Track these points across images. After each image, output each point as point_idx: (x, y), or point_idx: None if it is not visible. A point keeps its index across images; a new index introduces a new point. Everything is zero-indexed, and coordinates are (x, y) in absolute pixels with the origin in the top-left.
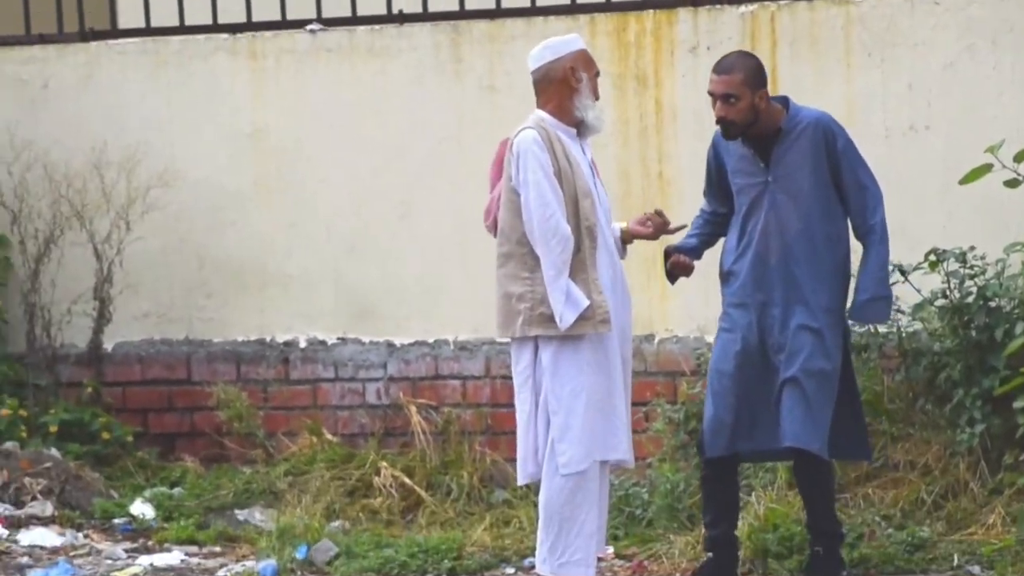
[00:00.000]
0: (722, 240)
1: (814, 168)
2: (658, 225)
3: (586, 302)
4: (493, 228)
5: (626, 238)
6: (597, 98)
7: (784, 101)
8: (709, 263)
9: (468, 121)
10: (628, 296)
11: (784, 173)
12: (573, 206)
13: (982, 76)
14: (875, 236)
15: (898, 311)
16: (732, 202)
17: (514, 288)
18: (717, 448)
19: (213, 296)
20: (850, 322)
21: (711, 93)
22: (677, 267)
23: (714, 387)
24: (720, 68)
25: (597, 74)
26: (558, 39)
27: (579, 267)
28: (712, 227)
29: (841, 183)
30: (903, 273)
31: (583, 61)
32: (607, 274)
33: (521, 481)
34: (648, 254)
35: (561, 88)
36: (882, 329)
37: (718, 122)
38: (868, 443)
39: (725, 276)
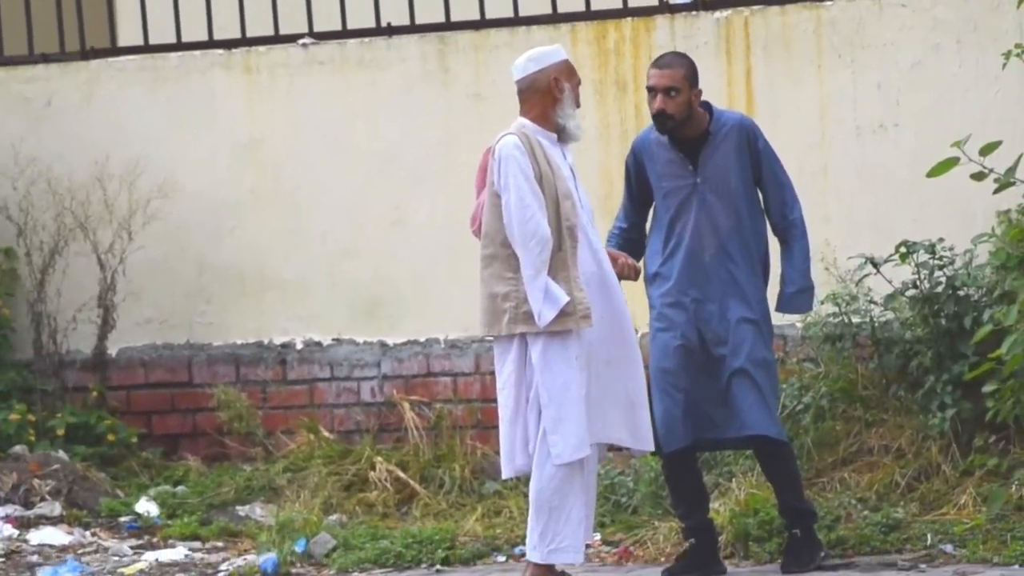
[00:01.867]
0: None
1: (740, 168)
2: (628, 273)
3: (566, 298)
4: (479, 233)
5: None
6: (578, 106)
7: (707, 106)
8: None
9: (456, 128)
10: (618, 288)
11: (713, 173)
12: (554, 208)
13: (948, 74)
14: (796, 231)
15: (871, 302)
16: (647, 211)
17: (499, 288)
18: (673, 442)
19: (212, 301)
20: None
21: (652, 87)
22: (625, 271)
23: (660, 385)
24: (661, 63)
25: (579, 83)
26: (541, 50)
27: (560, 265)
28: (629, 246)
29: (762, 181)
30: (875, 265)
31: (566, 72)
32: (591, 271)
33: (507, 475)
34: None
35: (544, 97)
36: (855, 319)
37: (656, 115)
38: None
39: (652, 278)
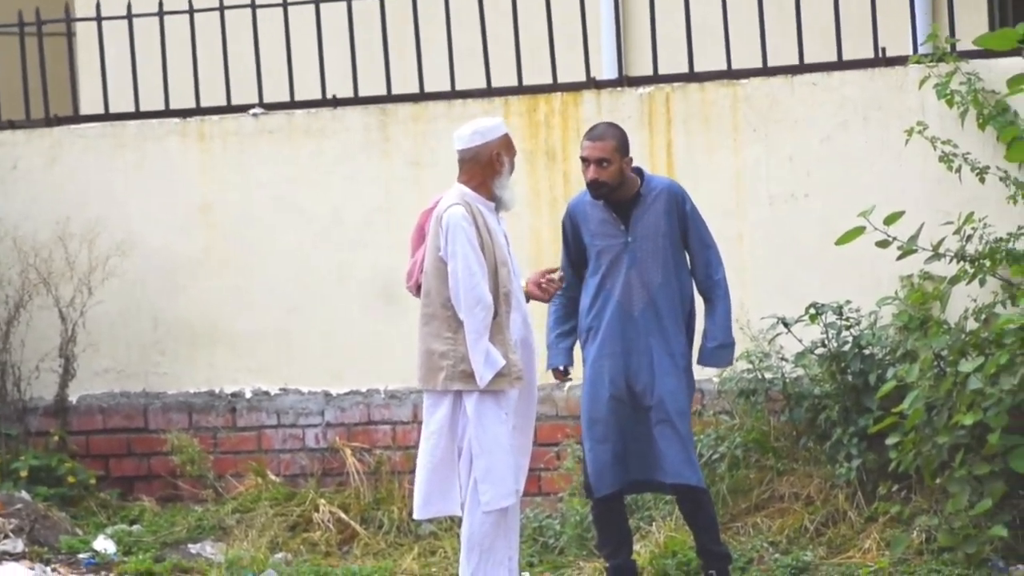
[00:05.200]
0: None
1: (668, 228)
2: (551, 290)
3: (503, 362)
4: (415, 289)
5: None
6: (511, 174)
7: (639, 171)
8: None
9: (396, 192)
10: (535, 352)
11: (643, 233)
12: (493, 275)
13: (855, 148)
14: (720, 290)
15: (782, 359)
16: (584, 271)
17: (437, 346)
18: (603, 487)
19: (167, 353)
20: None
21: (585, 159)
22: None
23: (592, 434)
24: (594, 135)
25: (514, 154)
26: (486, 124)
27: (496, 330)
28: (571, 305)
29: (689, 242)
30: (786, 325)
31: (507, 145)
32: (520, 333)
33: (420, 516)
34: None
35: (485, 169)
36: (768, 375)
37: (590, 184)
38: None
39: (584, 331)
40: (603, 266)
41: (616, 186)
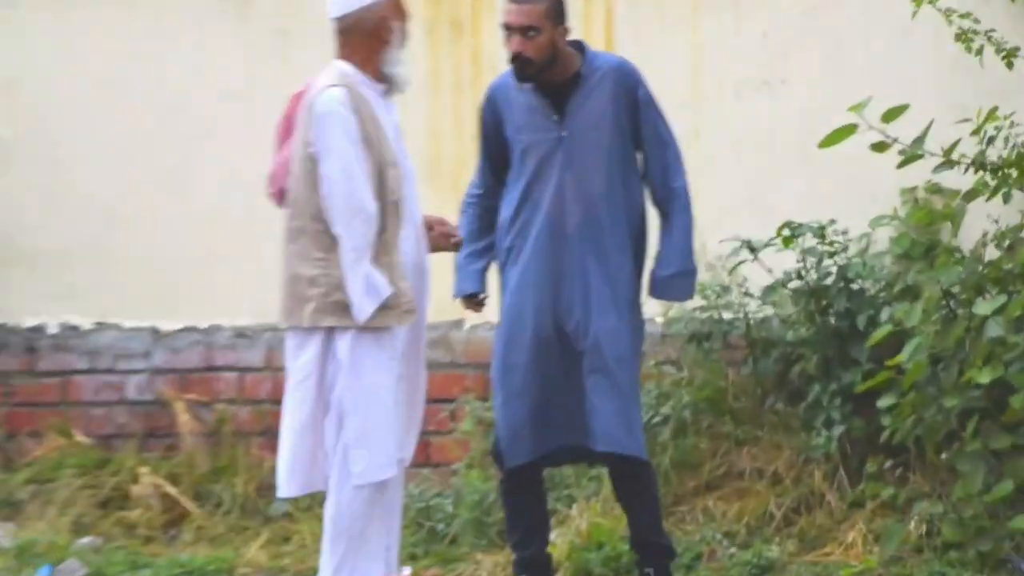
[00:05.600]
0: None
1: (615, 120)
2: (443, 243)
3: (389, 290)
4: (278, 197)
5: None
6: (404, 48)
7: (578, 45)
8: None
9: (257, 73)
10: (428, 277)
11: (582, 126)
12: (378, 178)
13: (846, 22)
14: (679, 202)
15: (746, 294)
16: (506, 173)
17: (304, 270)
18: (518, 455)
19: None
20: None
21: (507, 25)
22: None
23: (506, 386)
24: None
25: (407, 21)
26: None
27: (382, 249)
28: (488, 217)
29: (642, 139)
30: (752, 250)
31: (396, 8)
32: (412, 254)
33: (285, 493)
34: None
35: (371, 40)
36: (727, 315)
37: (512, 59)
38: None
39: (504, 251)
40: (529, 168)
41: (546, 64)
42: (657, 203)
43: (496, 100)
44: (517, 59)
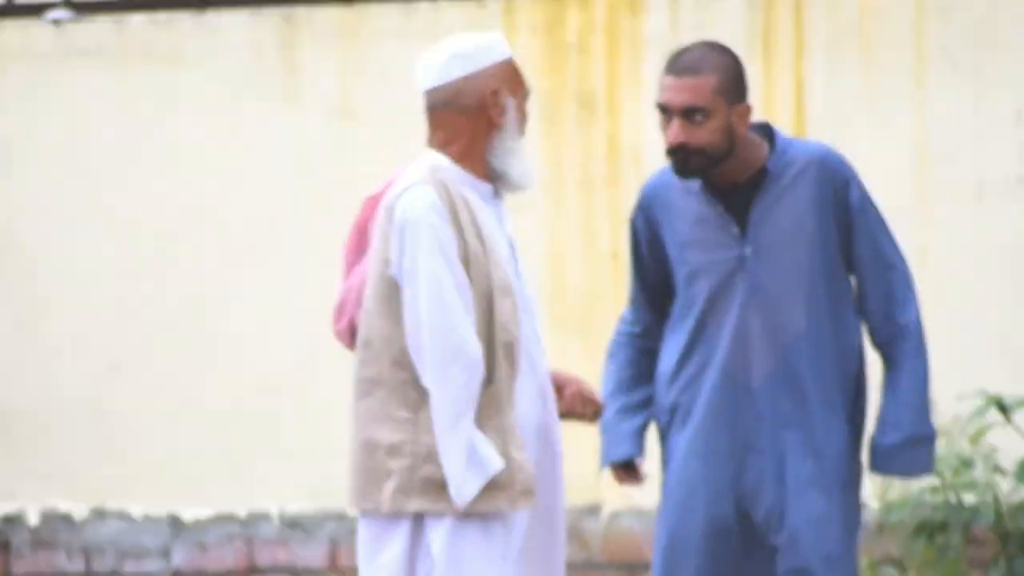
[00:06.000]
0: None
1: (818, 232)
2: (580, 410)
3: (499, 463)
4: (346, 335)
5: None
6: (523, 133)
7: (765, 130)
8: None
9: (309, 166)
10: (559, 446)
11: (773, 241)
12: (486, 310)
13: None
14: (909, 342)
15: (995, 470)
16: (667, 302)
17: (383, 434)
18: None
19: None
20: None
21: (664, 106)
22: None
23: None
24: (679, 66)
25: (526, 96)
26: (472, 42)
27: (490, 406)
28: (647, 362)
29: (855, 257)
30: (1003, 410)
31: (510, 78)
32: (533, 415)
33: None
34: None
35: (475, 121)
36: (969, 498)
37: (672, 151)
38: None
39: (666, 411)
40: (700, 299)
41: (720, 156)
42: (879, 344)
43: (652, 206)
44: (679, 151)
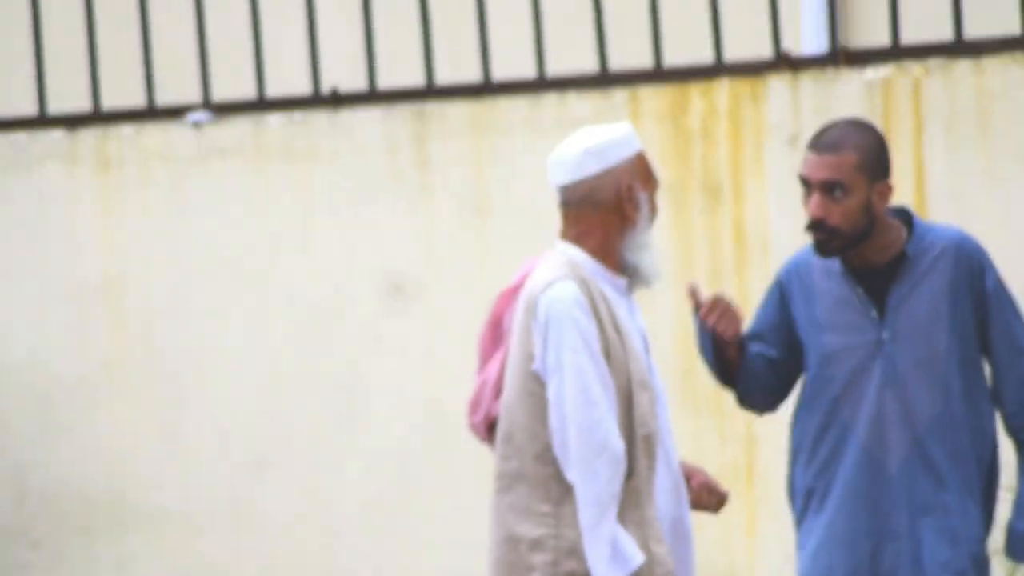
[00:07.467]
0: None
1: (953, 318)
2: (704, 501)
3: (640, 558)
4: (482, 429)
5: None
6: (652, 226)
7: (903, 214)
8: None
9: (441, 258)
10: (691, 540)
11: (911, 326)
12: (626, 405)
13: None
14: None
15: None
16: (793, 372)
17: (525, 529)
18: None
19: (42, 544)
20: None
21: (805, 179)
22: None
23: None
24: (822, 143)
25: (656, 188)
26: (605, 136)
27: (631, 501)
28: (779, 377)
29: (991, 343)
30: None
31: (643, 173)
32: (669, 508)
33: None
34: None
35: (610, 216)
36: None
37: (811, 226)
38: None
39: (802, 495)
40: (837, 381)
41: (859, 236)
42: (1013, 430)
43: (790, 284)
44: (818, 227)
